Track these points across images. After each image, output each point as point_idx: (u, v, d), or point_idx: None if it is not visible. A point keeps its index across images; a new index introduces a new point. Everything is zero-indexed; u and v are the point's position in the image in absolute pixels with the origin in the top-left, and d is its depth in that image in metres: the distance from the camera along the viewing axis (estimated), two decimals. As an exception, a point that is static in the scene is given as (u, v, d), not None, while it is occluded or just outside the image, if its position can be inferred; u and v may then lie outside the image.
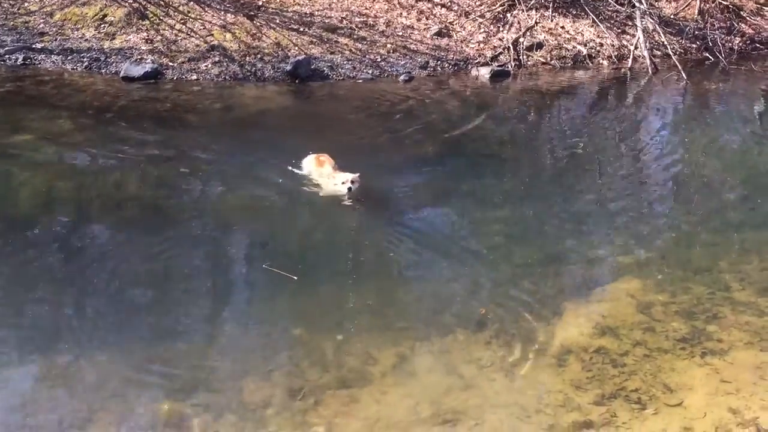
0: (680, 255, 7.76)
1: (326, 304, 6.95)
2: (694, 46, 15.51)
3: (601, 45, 15.01)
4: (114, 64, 12.70)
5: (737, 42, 15.84)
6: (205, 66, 12.88)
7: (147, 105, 11.56)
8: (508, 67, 14.06)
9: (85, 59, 12.79)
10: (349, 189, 8.28)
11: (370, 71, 13.42)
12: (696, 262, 7.61)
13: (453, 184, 9.36)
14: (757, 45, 16.01)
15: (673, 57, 14.38)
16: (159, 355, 6.22)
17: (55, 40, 13.23)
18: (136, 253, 7.54)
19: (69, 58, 12.82)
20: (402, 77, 13.35)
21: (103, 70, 12.60)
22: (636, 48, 14.55)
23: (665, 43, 14.78)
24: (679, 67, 14.04)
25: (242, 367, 6.13)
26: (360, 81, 13.16)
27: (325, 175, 8.68)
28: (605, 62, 14.72)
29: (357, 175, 8.35)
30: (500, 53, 14.40)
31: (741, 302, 6.83)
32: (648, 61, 14.28)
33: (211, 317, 6.79)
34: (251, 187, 8.98)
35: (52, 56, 12.83)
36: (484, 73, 13.75)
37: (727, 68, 14.68)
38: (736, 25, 16.23)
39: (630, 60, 14.45)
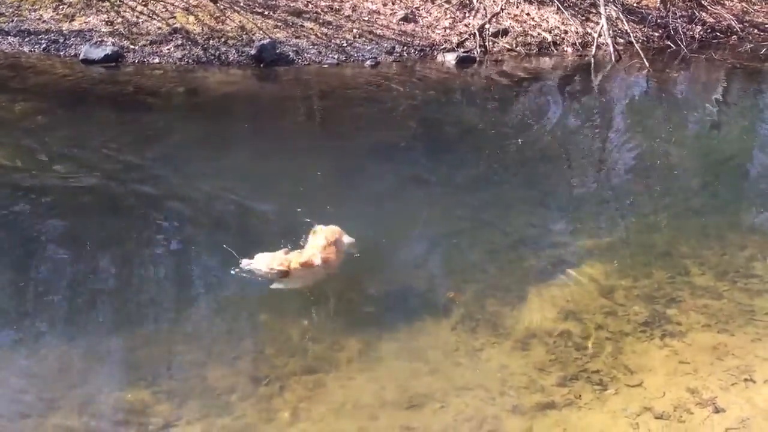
0: (642, 240, 7.89)
1: (291, 290, 6.90)
2: (656, 34, 15.72)
3: (566, 32, 15.12)
4: (73, 47, 12.41)
5: (698, 30, 16.09)
6: (168, 49, 12.67)
7: (108, 88, 11.34)
8: (473, 53, 14.09)
9: (43, 41, 12.49)
10: (246, 265, 6.54)
11: (335, 56, 13.33)
12: (657, 247, 7.74)
13: (418, 170, 9.38)
14: (718, 33, 16.29)
15: (635, 45, 14.56)
16: (121, 343, 6.15)
17: (12, 21, 12.90)
18: (96, 241, 7.40)
19: (26, 39, 12.50)
20: (368, 62, 13.29)
21: (61, 53, 12.31)
22: (600, 36, 14.69)
23: (628, 31, 14.96)
24: (642, 55, 14.21)
25: (206, 354, 6.07)
26: (326, 66, 13.07)
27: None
28: (569, 49, 14.83)
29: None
30: (466, 39, 14.41)
31: (700, 286, 6.98)
32: (611, 49, 14.43)
33: (175, 304, 6.69)
34: (214, 175, 8.86)
35: (9, 38, 12.50)
36: (450, 59, 13.76)
37: (688, 56, 14.91)
38: (697, 13, 16.48)
39: (594, 47, 14.58)
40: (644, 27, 15.72)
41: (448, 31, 14.63)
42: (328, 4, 14.54)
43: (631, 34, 14.84)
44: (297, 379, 5.84)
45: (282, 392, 5.72)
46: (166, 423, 5.35)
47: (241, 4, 13.96)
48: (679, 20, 15.83)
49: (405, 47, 13.98)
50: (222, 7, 13.78)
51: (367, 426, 5.39)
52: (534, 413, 5.49)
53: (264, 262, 6.48)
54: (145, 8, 13.45)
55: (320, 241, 6.80)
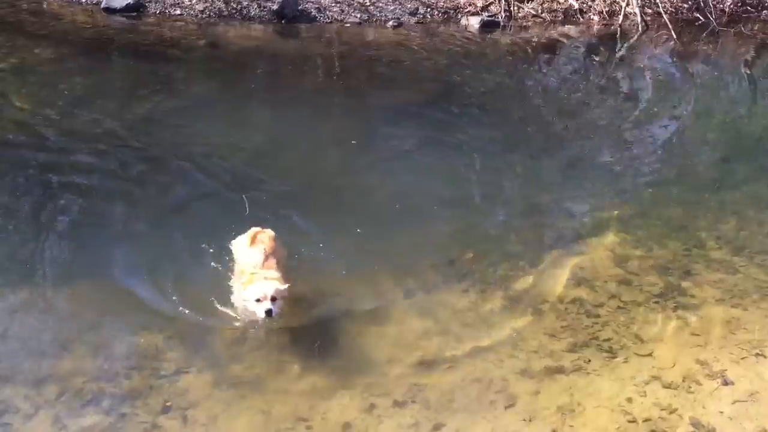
0: (660, 212, 7.81)
1: (303, 246, 6.92)
2: (685, 6, 15.36)
3: (593, 0, 14.84)
4: (95, -6, 12.34)
5: (729, 4, 15.72)
6: (190, 1, 12.57)
7: (129, 38, 11.31)
8: (498, 17, 13.88)
9: (65, -12, 12.42)
10: (269, 313, 5.38)
11: (358, 15, 13.18)
12: (674, 219, 7.67)
13: (438, 134, 9.30)
14: (748, 7, 15.88)
15: (664, 16, 14.26)
16: (136, 288, 6.19)
17: (34, -33, 12.81)
18: (110, 187, 7.46)
19: (49, -15, 12.44)
20: (390, 23, 13.14)
21: (83, 0, 12.24)
22: (627, 4, 14.39)
23: (657, 1, 14.64)
24: (670, 27, 13.93)
25: (219, 303, 6.11)
26: (347, 25, 12.93)
27: (245, 270, 5.78)
28: (596, 18, 14.57)
29: (282, 287, 5.49)
30: (491, 3, 14.19)
31: (715, 260, 6.92)
32: (639, 19, 14.16)
33: (187, 252, 6.70)
34: (230, 128, 8.86)
35: (32, -17, 12.45)
36: (474, 22, 13.57)
37: (717, 30, 14.57)
38: (728, -15, 16.09)
39: (621, 17, 14.30)
40: (673, -2, 15.39)
41: (473, -7, 14.42)
42: (352, -39, 14.33)
43: (660, 5, 14.53)
44: (307, 334, 5.88)
45: (292, 345, 5.77)
46: (177, 369, 5.42)
47: (265, -42, 13.78)
48: (709, -8, 15.46)
49: (428, 9, 13.79)
50: (245, -40, 13.60)
51: (376, 382, 5.42)
52: (542, 377, 5.50)
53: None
54: (168, -42, 13.30)
55: (256, 257, 5.84)
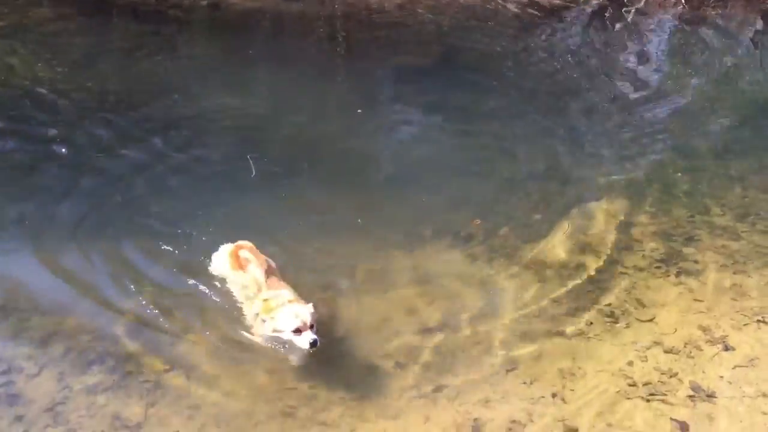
0: (664, 178, 7.77)
1: (306, 210, 6.91)
2: (694, -31, 15.09)
3: (601, -37, 14.55)
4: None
5: (738, -32, 15.43)
6: (191, -39, 12.33)
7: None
8: (504, -20, 13.63)
9: (64, -54, 12.18)
10: (314, 344, 4.96)
11: (362, -24, 12.94)
12: (679, 186, 7.63)
13: (442, 96, 9.21)
14: (758, -28, 15.61)
15: (672, -21, 14.00)
16: (136, 246, 6.20)
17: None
18: (108, 148, 7.45)
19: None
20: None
21: (83, -41, 12.04)
22: (636, -32, 14.13)
23: (666, -36, 14.37)
24: (678, -9, 13.69)
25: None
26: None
27: (251, 294, 5.47)
28: (602, -21, 14.29)
29: (310, 307, 5.11)
30: (497, -34, 13.91)
31: (719, 226, 6.90)
32: (647, -17, 13.90)
33: (186, 210, 6.69)
34: (235, 89, 8.79)
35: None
36: (480, -15, 13.32)
37: (725, -5, 14.33)
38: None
39: (628, -22, 14.03)
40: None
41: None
42: None
43: (669, -31, 14.26)
44: (309, 298, 5.87)
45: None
46: (182, 328, 5.45)
47: None
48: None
49: (433, -29, 13.53)
50: None
51: (378, 346, 5.45)
52: (544, 340, 5.53)
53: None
54: None
55: (257, 276, 5.52)
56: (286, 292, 5.32)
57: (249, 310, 5.43)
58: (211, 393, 4.95)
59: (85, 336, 5.29)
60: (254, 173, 7.08)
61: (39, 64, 8.83)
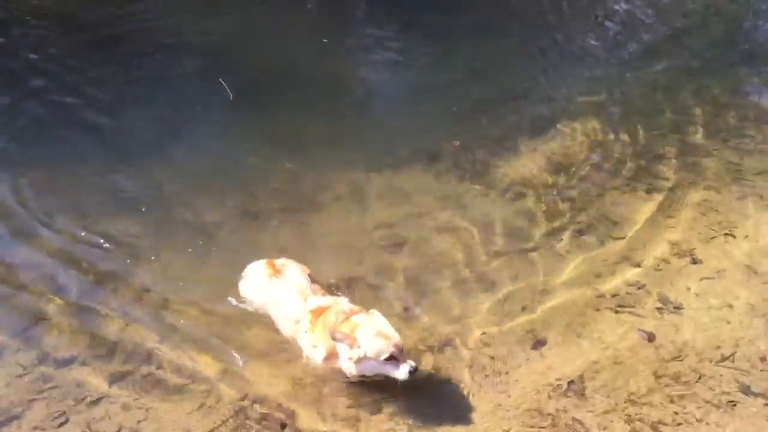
0: (637, 97, 7.75)
1: (280, 131, 6.83)
2: None
3: None
4: None
5: None
6: None
7: None
8: None
9: None
10: (414, 371, 4.16)
11: None
12: (652, 104, 7.62)
13: (417, 17, 9.00)
14: None
15: None
16: (111, 174, 6.13)
17: None
18: (92, 74, 7.31)
19: None
20: None
21: None
22: None
23: None
24: None
25: (194, 189, 6.08)
26: None
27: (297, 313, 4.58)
28: None
29: (397, 340, 4.18)
30: None
31: (690, 144, 6.92)
32: None
33: (164, 138, 6.61)
34: (205, 10, 8.53)
35: None
36: None
37: None
38: None
39: None
40: None
41: None
42: None
43: None
44: (283, 217, 5.89)
45: (267, 229, 5.78)
46: (155, 252, 5.43)
47: None
48: None
49: None
50: None
51: (351, 263, 5.48)
52: (515, 258, 5.59)
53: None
54: None
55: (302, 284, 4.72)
56: (344, 301, 4.53)
57: (301, 334, 4.48)
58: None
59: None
60: (231, 97, 6.95)
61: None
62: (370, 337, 4.11)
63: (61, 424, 4.18)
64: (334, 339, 4.16)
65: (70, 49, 7.68)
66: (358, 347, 4.12)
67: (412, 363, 4.14)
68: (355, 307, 4.44)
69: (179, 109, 6.99)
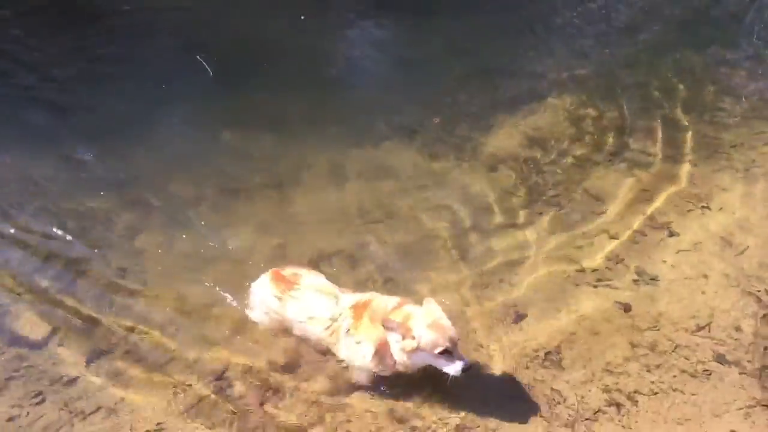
0: (616, 72, 7.74)
1: (260, 108, 6.77)
2: None
3: None
4: None
5: None
6: None
7: None
8: None
9: None
10: (468, 368, 3.91)
11: None
12: (631, 79, 7.61)
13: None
14: None
15: None
16: (86, 152, 6.05)
17: None
18: (66, 47, 7.18)
19: None
20: None
21: None
22: None
23: None
24: None
25: (172, 167, 6.03)
26: None
27: (328, 316, 4.25)
28: None
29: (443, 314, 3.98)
30: None
31: (669, 118, 6.94)
32: None
33: (142, 115, 6.53)
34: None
35: None
36: None
37: None
38: None
39: None
40: None
41: None
42: None
43: None
44: (263, 194, 5.86)
45: (247, 206, 5.75)
46: (131, 230, 5.39)
47: None
48: None
49: None
50: None
51: (332, 239, 5.48)
52: (494, 232, 5.62)
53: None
54: None
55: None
56: (389, 297, 4.16)
57: (336, 338, 4.14)
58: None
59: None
60: (211, 74, 6.88)
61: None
62: (424, 328, 3.83)
63: (38, 403, 4.17)
64: (386, 328, 3.84)
65: (32, 29, 7.54)
66: (412, 338, 3.82)
67: (466, 359, 3.89)
68: (405, 299, 4.15)
69: (152, 87, 6.89)
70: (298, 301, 4.28)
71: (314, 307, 4.23)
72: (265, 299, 4.42)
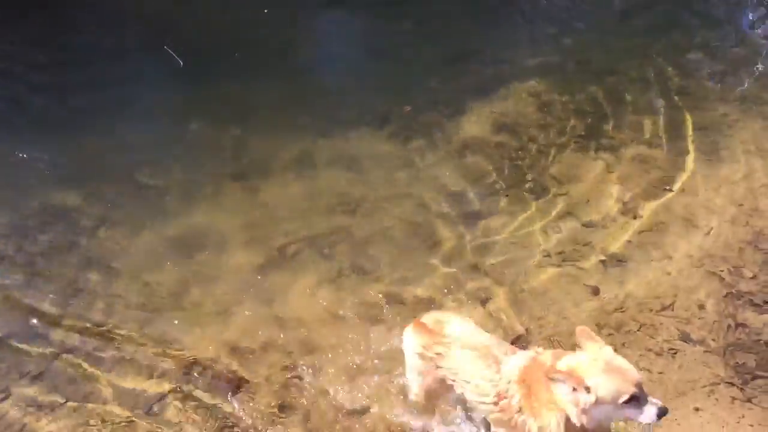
0: (584, 58, 7.77)
1: (228, 98, 6.74)
2: None
3: None
4: None
5: None
6: None
7: None
8: None
9: None
10: (662, 413, 3.15)
11: None
12: (599, 64, 7.65)
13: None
14: None
15: None
16: (53, 147, 5.99)
17: None
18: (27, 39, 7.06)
19: None
20: None
21: None
22: None
23: None
24: None
25: (139, 159, 5.98)
26: None
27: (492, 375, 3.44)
28: None
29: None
30: None
31: (636, 103, 7.00)
32: None
33: (109, 107, 6.47)
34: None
35: None
36: None
37: None
38: None
39: None
40: None
41: None
42: None
43: None
44: (231, 185, 5.84)
45: (215, 196, 5.74)
46: (97, 223, 5.35)
47: None
48: None
49: None
50: None
51: (300, 228, 5.49)
52: (462, 221, 5.64)
53: None
54: None
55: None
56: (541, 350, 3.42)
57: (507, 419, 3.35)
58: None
59: None
60: (182, 64, 6.82)
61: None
62: (600, 375, 3.09)
63: (3, 399, 4.15)
64: (551, 380, 3.13)
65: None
66: (587, 389, 3.09)
67: (659, 402, 3.15)
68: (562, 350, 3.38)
69: (119, 77, 6.83)
70: (444, 362, 3.51)
71: (464, 376, 3.47)
72: (411, 358, 3.62)
